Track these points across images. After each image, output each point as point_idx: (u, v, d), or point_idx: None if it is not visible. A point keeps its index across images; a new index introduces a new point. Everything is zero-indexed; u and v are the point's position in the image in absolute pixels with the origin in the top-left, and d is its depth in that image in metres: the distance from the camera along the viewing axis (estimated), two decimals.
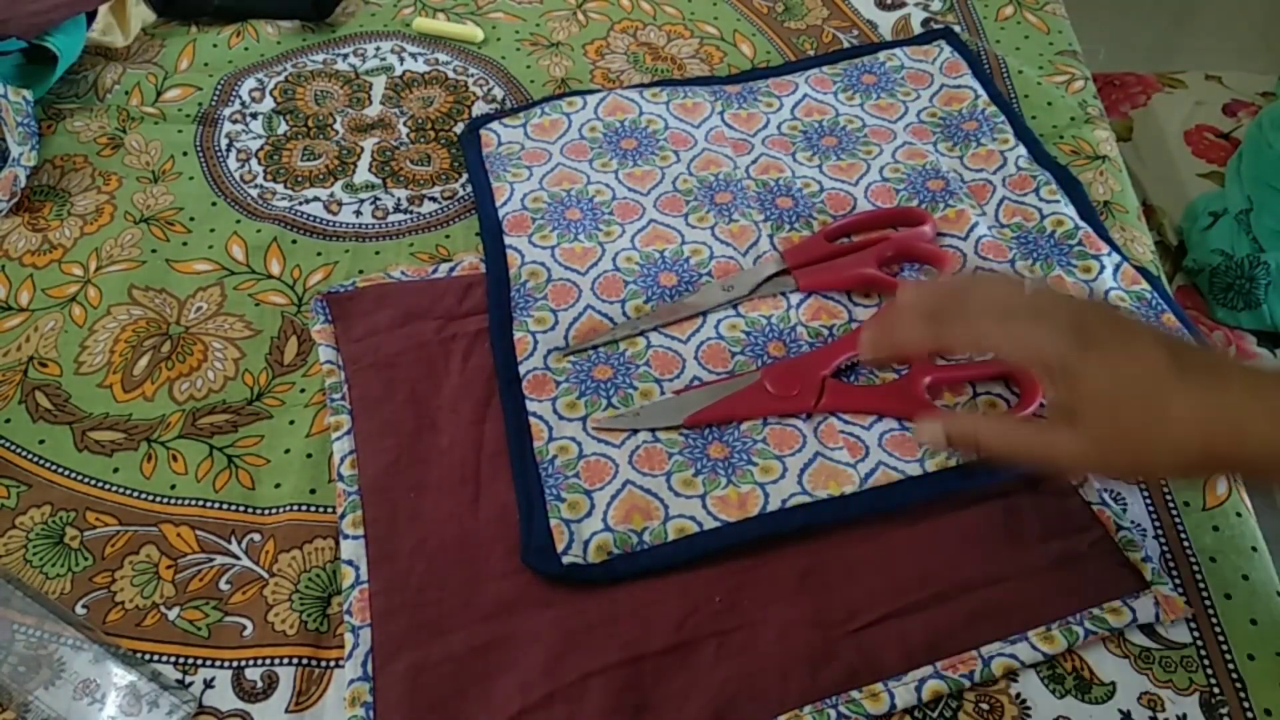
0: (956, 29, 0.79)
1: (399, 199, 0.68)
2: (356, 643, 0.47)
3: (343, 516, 0.51)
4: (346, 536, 0.50)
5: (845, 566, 0.49)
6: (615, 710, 0.45)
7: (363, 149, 0.71)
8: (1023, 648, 0.46)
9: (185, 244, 0.65)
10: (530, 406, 0.54)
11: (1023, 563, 0.49)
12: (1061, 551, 0.49)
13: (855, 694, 0.45)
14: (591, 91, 0.72)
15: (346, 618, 0.48)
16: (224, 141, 0.71)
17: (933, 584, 0.48)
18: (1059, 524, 0.50)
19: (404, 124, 0.73)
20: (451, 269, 0.62)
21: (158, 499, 0.53)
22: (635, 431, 0.53)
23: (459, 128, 0.72)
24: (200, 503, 0.53)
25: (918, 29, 0.79)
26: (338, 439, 0.54)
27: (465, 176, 0.69)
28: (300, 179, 0.69)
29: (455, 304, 0.60)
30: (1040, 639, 0.46)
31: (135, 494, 0.53)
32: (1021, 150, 0.67)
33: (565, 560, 0.48)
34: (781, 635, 0.47)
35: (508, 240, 0.63)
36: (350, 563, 0.49)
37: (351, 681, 0.46)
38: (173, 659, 0.47)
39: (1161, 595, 0.47)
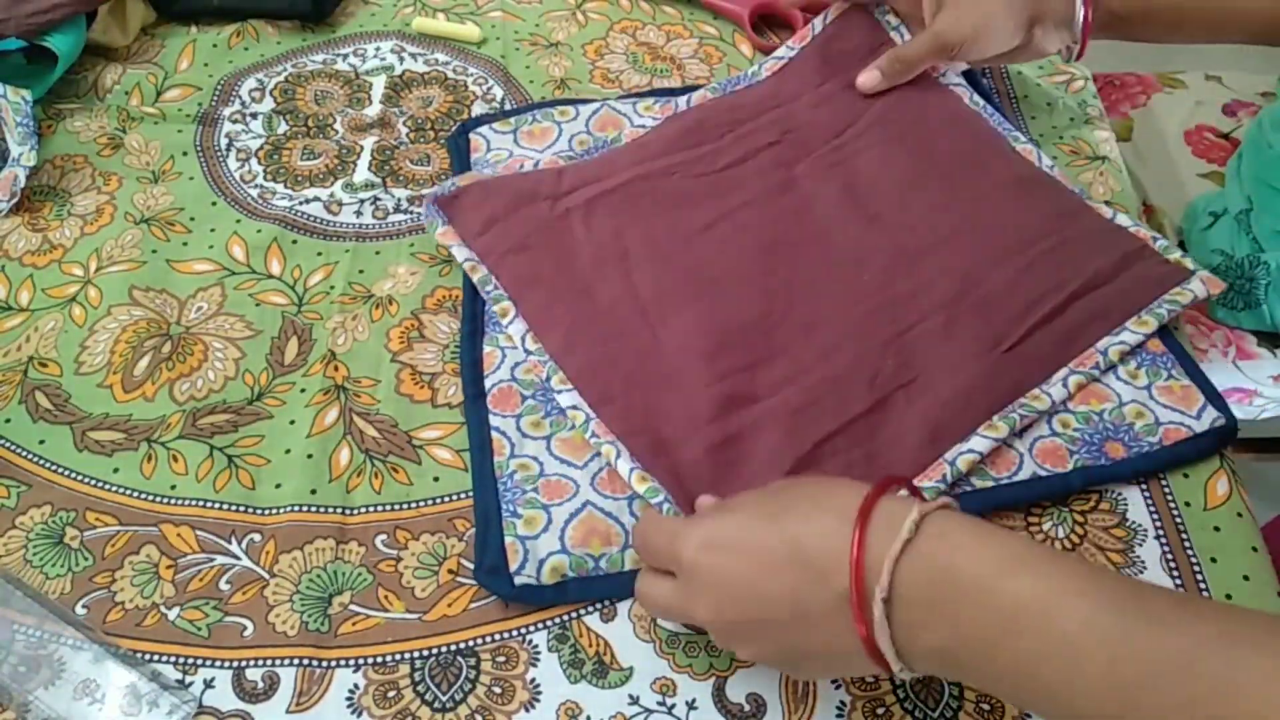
0: None
1: (399, 199, 0.68)
2: (619, 450, 0.51)
3: (547, 380, 0.55)
4: (559, 392, 0.54)
5: (978, 305, 0.57)
6: (852, 464, 0.51)
7: (362, 148, 0.71)
8: (1126, 335, 0.56)
9: (185, 244, 0.65)
10: (494, 421, 0.55)
11: (1100, 275, 0.58)
12: (1122, 262, 0.59)
13: (1024, 399, 0.53)
14: (586, 101, 0.72)
15: (593, 439, 0.52)
16: (224, 141, 0.71)
17: (1042, 307, 0.56)
18: (1111, 243, 0.60)
19: (403, 124, 0.73)
20: (535, 163, 0.65)
21: (158, 499, 0.53)
22: (598, 453, 0.53)
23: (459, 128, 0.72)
24: (200, 503, 0.53)
25: None
26: (510, 323, 0.58)
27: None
28: (300, 179, 0.69)
29: (554, 185, 0.63)
30: (1136, 325, 0.56)
31: (135, 494, 0.53)
32: (1048, 161, 0.66)
33: (518, 581, 0.49)
34: (952, 372, 0.54)
35: None
36: (575, 407, 0.53)
37: (631, 470, 0.50)
38: (173, 659, 0.47)
39: (1204, 276, 0.59)
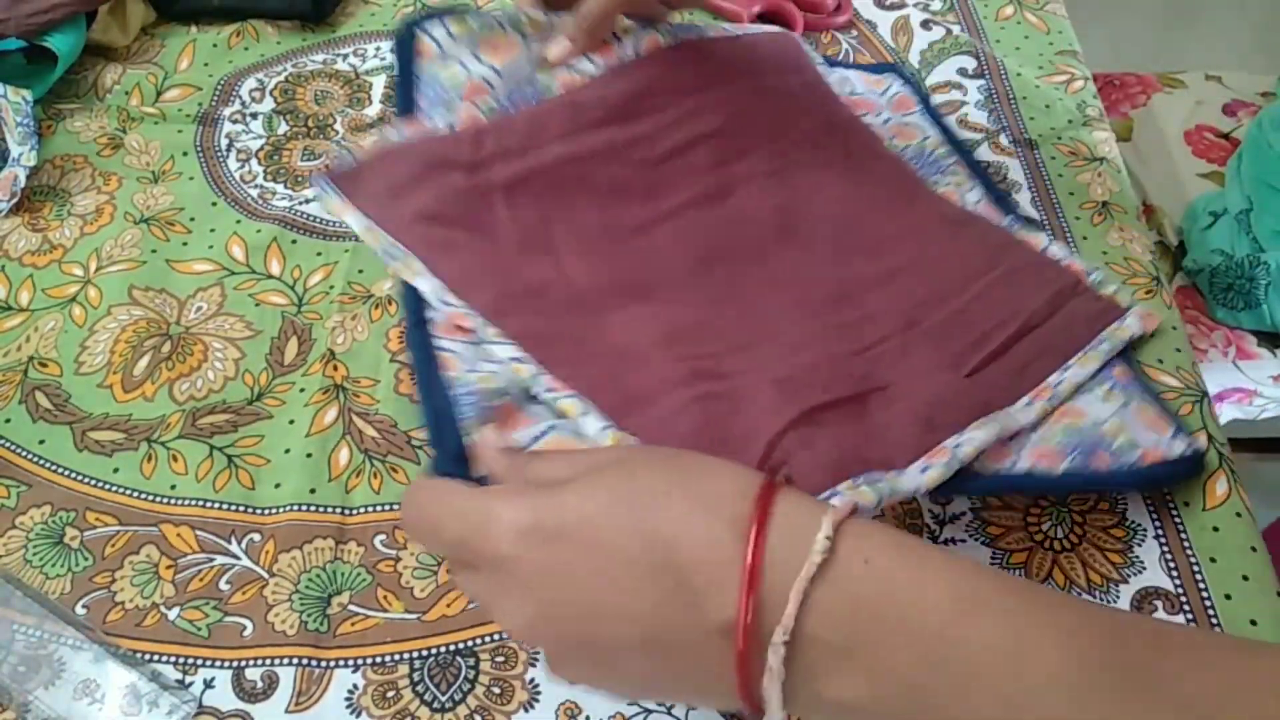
0: (956, 29, 0.79)
1: None
2: (583, 405, 0.46)
3: (479, 337, 0.49)
4: (496, 343, 0.48)
5: (931, 334, 0.55)
6: (848, 441, 0.47)
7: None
8: (1073, 371, 0.54)
9: (185, 244, 0.65)
10: (440, 343, 0.49)
11: (1036, 315, 0.56)
12: (1056, 299, 0.57)
13: (996, 414, 0.51)
14: (561, 12, 0.64)
15: (547, 395, 0.47)
16: (224, 141, 0.71)
17: (992, 341, 0.54)
18: (1045, 280, 0.58)
19: None
20: (451, 125, 0.58)
21: (158, 499, 0.53)
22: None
23: None
24: (200, 503, 0.53)
25: (918, 29, 0.79)
26: (419, 278, 0.50)
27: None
28: (300, 179, 0.69)
29: (473, 151, 0.56)
30: (1081, 362, 0.55)
31: (135, 494, 0.53)
32: (979, 194, 0.64)
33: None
34: (925, 381, 0.52)
35: None
36: (517, 359, 0.48)
37: (604, 429, 0.45)
38: (173, 659, 0.48)
39: (1140, 313, 0.57)
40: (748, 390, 0.49)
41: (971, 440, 0.49)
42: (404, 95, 0.60)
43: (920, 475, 0.47)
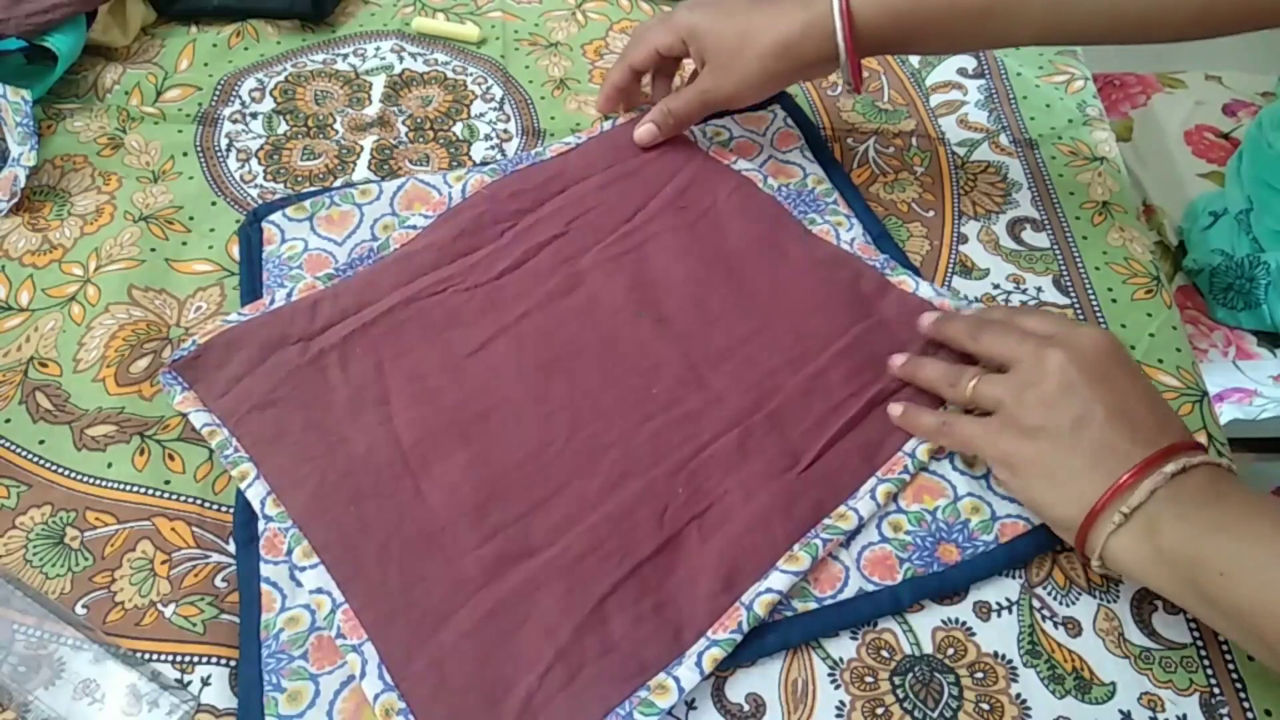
0: None
1: None
2: (364, 658, 0.45)
3: (289, 553, 0.49)
4: (303, 569, 0.48)
5: (772, 420, 0.54)
6: (641, 618, 0.47)
7: (362, 148, 0.71)
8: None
9: (185, 244, 0.65)
10: (265, 571, 0.49)
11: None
12: (925, 350, 0.56)
13: (828, 520, 0.50)
14: (389, 178, 0.67)
15: (340, 641, 0.46)
16: (224, 141, 0.71)
17: (839, 418, 0.54)
18: (914, 326, 0.57)
19: (403, 123, 0.73)
20: (289, 294, 0.59)
21: (152, 492, 0.53)
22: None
23: (458, 127, 0.72)
24: (199, 501, 0.53)
25: None
26: (248, 486, 0.51)
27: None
28: (300, 179, 0.69)
29: (308, 323, 0.57)
30: None
31: (129, 488, 0.53)
32: (857, 232, 0.64)
33: None
34: (747, 498, 0.51)
35: None
36: (320, 590, 0.47)
37: (377, 696, 0.44)
38: (170, 657, 0.48)
39: None
40: (546, 577, 0.48)
41: (770, 593, 0.48)
42: (248, 281, 0.61)
43: (695, 670, 0.45)
